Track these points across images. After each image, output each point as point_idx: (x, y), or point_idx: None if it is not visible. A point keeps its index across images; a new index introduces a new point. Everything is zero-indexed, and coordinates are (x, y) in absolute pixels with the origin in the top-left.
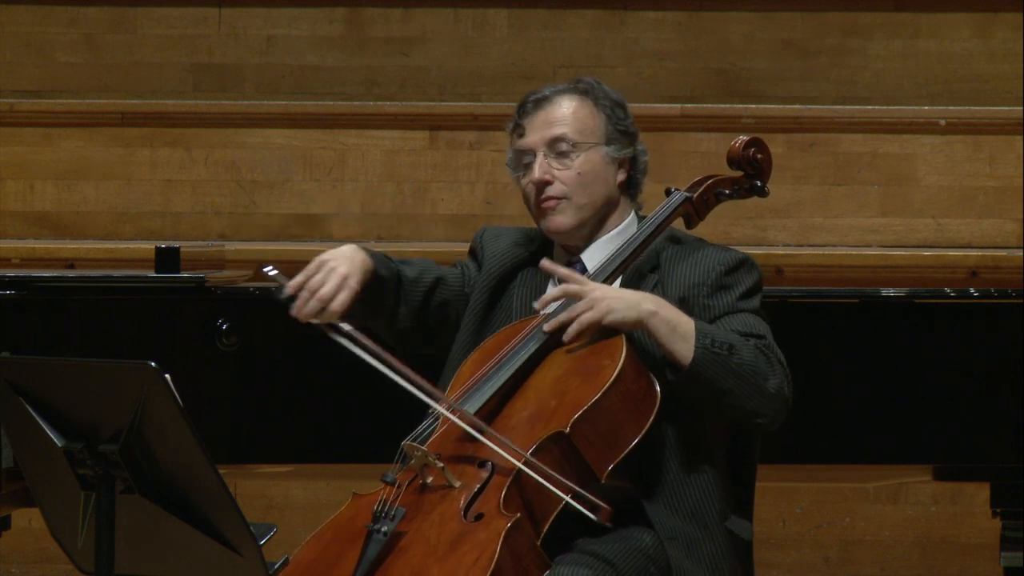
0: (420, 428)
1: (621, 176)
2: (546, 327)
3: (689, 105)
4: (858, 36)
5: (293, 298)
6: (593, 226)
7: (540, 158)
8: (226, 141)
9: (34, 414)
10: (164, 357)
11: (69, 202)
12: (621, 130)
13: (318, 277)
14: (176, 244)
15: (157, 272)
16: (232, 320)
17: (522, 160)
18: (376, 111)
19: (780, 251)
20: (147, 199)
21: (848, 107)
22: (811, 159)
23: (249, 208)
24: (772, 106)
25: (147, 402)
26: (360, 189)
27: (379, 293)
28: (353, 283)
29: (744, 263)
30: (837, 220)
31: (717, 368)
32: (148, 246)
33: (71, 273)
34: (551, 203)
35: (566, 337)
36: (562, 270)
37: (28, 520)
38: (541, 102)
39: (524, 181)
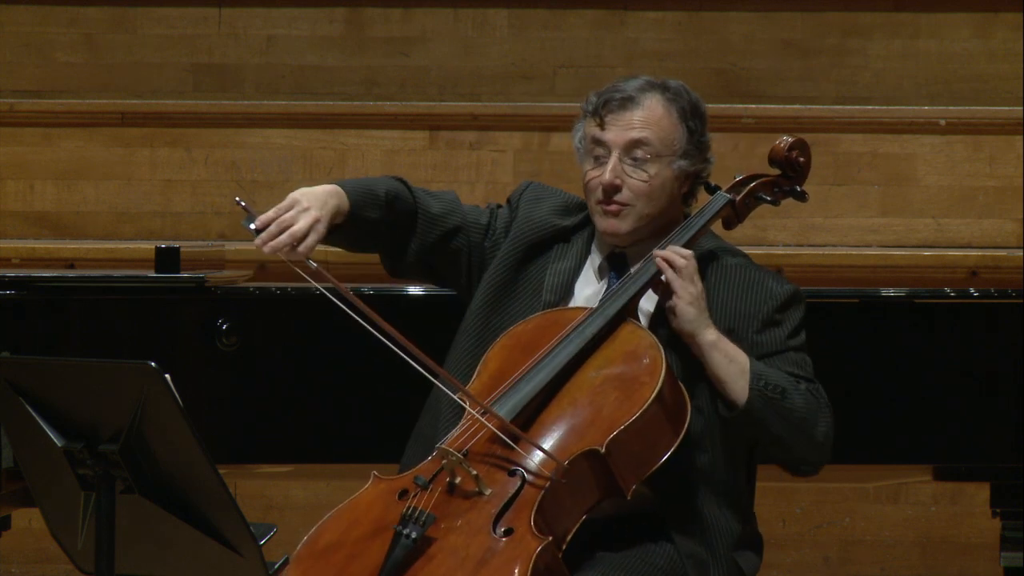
0: (455, 430)
1: (684, 188)
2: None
3: None
4: (858, 36)
5: (259, 231)
6: (646, 234)
7: (615, 159)
8: (226, 141)
9: (34, 414)
10: (164, 357)
11: (69, 202)
12: (698, 145)
13: (290, 215)
14: (176, 244)
15: (157, 272)
16: (232, 320)
17: (594, 151)
18: (376, 111)
19: (780, 251)
20: (147, 199)
21: (848, 107)
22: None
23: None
24: (772, 106)
25: (147, 402)
26: None
27: (364, 232)
28: (322, 228)
29: (795, 298)
30: (837, 220)
31: (769, 412)
32: (148, 246)
33: (71, 273)
34: (614, 208)
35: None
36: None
37: (28, 520)
38: (628, 102)
39: (592, 175)
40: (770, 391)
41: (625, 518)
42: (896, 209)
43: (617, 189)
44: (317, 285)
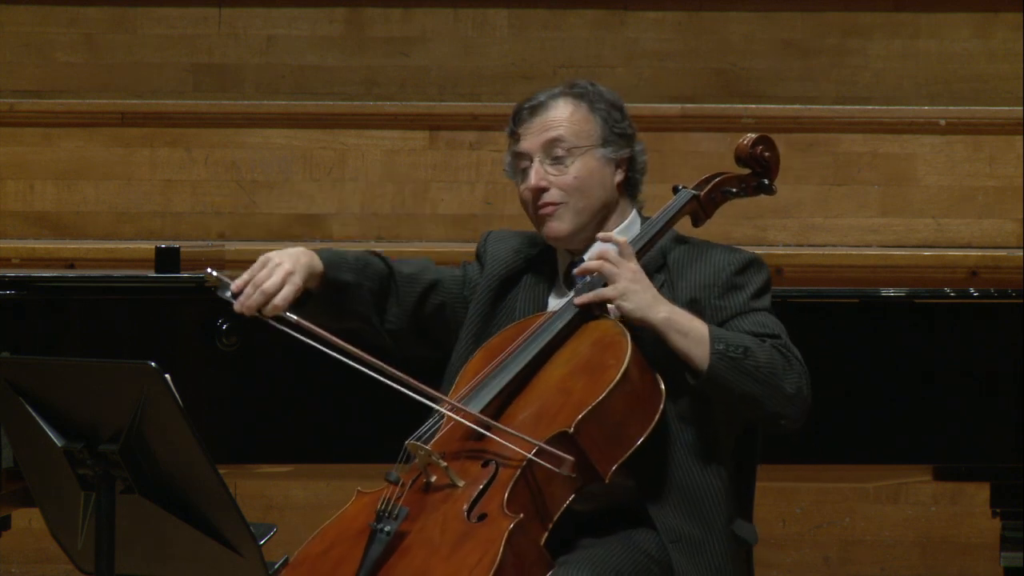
0: (425, 427)
1: (619, 176)
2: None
3: (689, 105)
4: (858, 36)
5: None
6: (592, 229)
7: (536, 164)
8: (226, 141)
9: (34, 414)
10: (164, 357)
11: (69, 202)
12: (618, 132)
13: (263, 273)
14: (176, 244)
15: (157, 272)
16: (232, 320)
17: (519, 165)
18: (376, 111)
19: (780, 251)
20: (147, 199)
21: (848, 107)
22: (811, 159)
23: (249, 208)
24: (772, 106)
25: (147, 402)
26: (360, 189)
27: (343, 296)
28: (297, 280)
29: (754, 262)
30: (837, 220)
31: (733, 372)
32: (148, 246)
33: (71, 273)
34: (548, 209)
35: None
36: (607, 246)
37: (28, 520)
38: (536, 108)
39: (522, 187)
40: (732, 351)
41: (612, 512)
42: (896, 209)
43: (544, 190)
44: (304, 338)
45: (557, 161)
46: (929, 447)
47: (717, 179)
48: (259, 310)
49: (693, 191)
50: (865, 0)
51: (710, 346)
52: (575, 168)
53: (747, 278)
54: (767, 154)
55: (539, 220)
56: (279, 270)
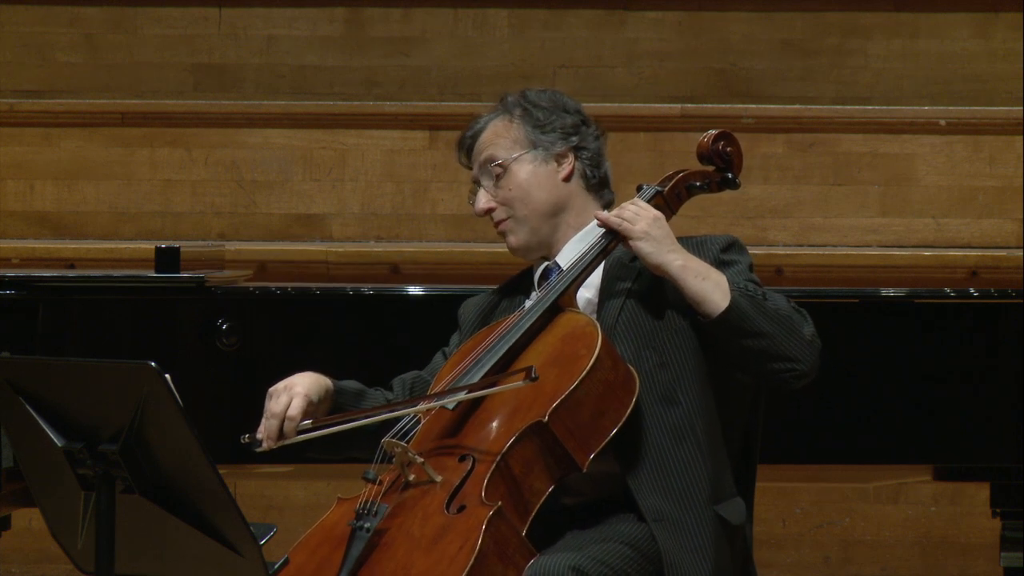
0: (400, 425)
1: (564, 171)
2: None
3: (689, 105)
4: (858, 36)
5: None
6: (550, 231)
7: (481, 190)
8: (226, 141)
9: (34, 414)
10: (164, 357)
11: (69, 202)
12: (547, 130)
13: (269, 404)
14: (176, 244)
15: (157, 272)
16: (232, 320)
17: (474, 192)
18: (376, 111)
19: (780, 251)
20: (147, 199)
21: (848, 107)
22: (811, 159)
23: (249, 208)
24: (772, 106)
25: (147, 402)
26: (360, 189)
27: (356, 399)
28: (300, 390)
29: (735, 242)
30: (837, 220)
31: (753, 310)
32: (148, 246)
33: (71, 273)
34: (501, 227)
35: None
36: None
37: (28, 520)
38: (475, 137)
39: None
40: (751, 292)
41: (598, 504)
42: (896, 209)
43: (491, 210)
44: (334, 430)
45: (497, 180)
46: (929, 447)
47: (681, 175)
48: (281, 433)
49: (657, 188)
50: (865, 0)
51: (730, 286)
52: (507, 181)
53: (734, 255)
54: (729, 149)
55: (501, 237)
56: (281, 393)
